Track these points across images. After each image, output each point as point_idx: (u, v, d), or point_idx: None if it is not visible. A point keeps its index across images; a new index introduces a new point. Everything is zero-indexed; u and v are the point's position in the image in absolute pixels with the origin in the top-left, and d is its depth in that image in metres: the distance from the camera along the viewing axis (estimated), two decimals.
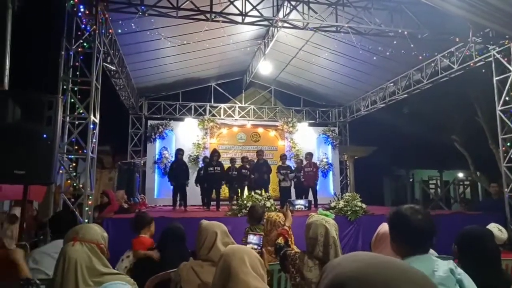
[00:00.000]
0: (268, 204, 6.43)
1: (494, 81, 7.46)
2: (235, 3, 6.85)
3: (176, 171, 8.65)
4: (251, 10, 6.91)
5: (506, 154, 7.26)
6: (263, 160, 9.39)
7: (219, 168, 8.48)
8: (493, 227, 3.56)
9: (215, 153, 8.79)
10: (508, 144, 7.29)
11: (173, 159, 11.52)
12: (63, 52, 5.97)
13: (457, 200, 15.00)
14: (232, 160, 9.26)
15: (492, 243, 2.34)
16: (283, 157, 9.63)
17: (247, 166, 9.02)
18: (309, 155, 9.56)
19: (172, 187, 8.89)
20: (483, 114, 12.03)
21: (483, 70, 8.12)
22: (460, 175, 19.18)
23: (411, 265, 1.50)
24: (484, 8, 5.74)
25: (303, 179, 9.09)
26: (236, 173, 8.85)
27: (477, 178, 14.93)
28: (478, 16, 6.00)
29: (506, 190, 7.18)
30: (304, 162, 9.51)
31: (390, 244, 1.77)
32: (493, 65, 7.49)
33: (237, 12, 6.83)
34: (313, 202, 8.64)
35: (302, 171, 9.16)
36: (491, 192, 8.32)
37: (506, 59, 7.22)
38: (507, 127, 7.26)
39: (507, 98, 7.23)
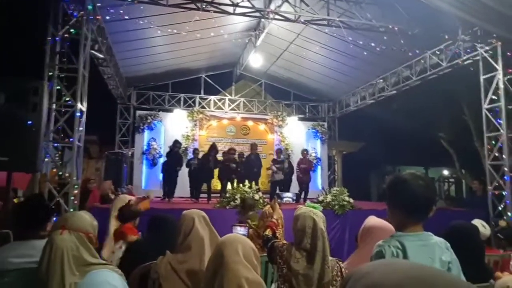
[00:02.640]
0: (256, 197, 6.45)
1: (481, 80, 7.56)
2: None
3: (174, 163, 8.67)
4: (243, 0, 6.85)
5: (491, 152, 7.39)
6: (256, 154, 9.42)
7: (213, 163, 8.63)
8: (477, 222, 3.63)
9: (214, 149, 8.89)
10: (493, 142, 7.42)
11: (161, 150, 11.50)
12: (49, 38, 5.82)
13: (442, 197, 15.30)
14: (225, 154, 9.31)
15: (478, 238, 2.40)
16: (278, 152, 9.70)
17: (234, 158, 9.04)
18: (305, 151, 9.63)
19: (163, 178, 8.89)
20: (470, 112, 12.22)
21: (471, 69, 8.23)
22: (445, 172, 19.56)
23: (410, 240, 1.46)
24: (473, 6, 5.81)
25: (300, 174, 9.17)
26: (222, 167, 8.87)
27: (462, 176, 15.24)
28: (467, 13, 6.07)
29: (489, 187, 7.33)
30: (300, 158, 9.60)
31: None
32: (481, 64, 7.58)
33: (229, 2, 6.76)
34: (302, 196, 8.72)
35: (297, 167, 9.24)
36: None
37: (493, 58, 7.32)
38: (492, 125, 7.39)
39: (493, 97, 7.35)
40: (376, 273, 0.56)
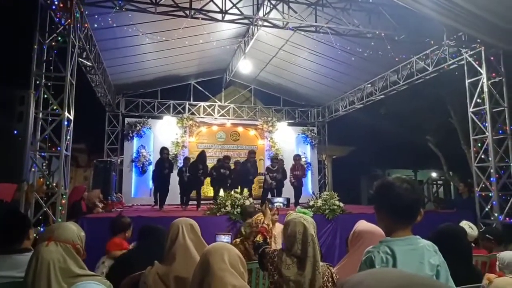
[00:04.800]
0: (247, 202, 6.43)
1: (466, 84, 7.71)
2: (215, 0, 6.80)
3: (166, 171, 8.60)
4: (231, 8, 6.88)
5: (477, 154, 7.52)
6: (253, 161, 9.40)
7: (201, 171, 8.52)
8: (465, 224, 3.69)
9: (203, 157, 8.78)
10: (479, 144, 7.56)
11: (151, 157, 11.42)
12: (36, 46, 5.75)
13: (431, 199, 15.49)
14: (219, 160, 9.27)
15: (466, 240, 2.43)
16: (273, 161, 9.61)
17: (229, 165, 9.02)
18: (297, 157, 9.63)
19: (154, 186, 8.82)
20: (456, 116, 12.44)
21: (456, 73, 8.39)
22: (434, 175, 19.80)
23: (399, 245, 1.47)
24: (458, 12, 5.94)
25: (293, 180, 9.17)
26: (215, 173, 8.85)
27: (450, 178, 15.45)
28: (451, 19, 6.20)
29: (476, 189, 7.44)
30: (292, 164, 9.59)
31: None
32: (465, 68, 7.73)
33: (217, 9, 6.78)
34: (292, 201, 8.73)
35: (291, 174, 9.25)
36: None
37: (477, 62, 7.48)
38: (478, 128, 7.52)
39: (478, 100, 7.49)
40: (368, 282, 0.58)
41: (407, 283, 0.56)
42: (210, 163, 9.55)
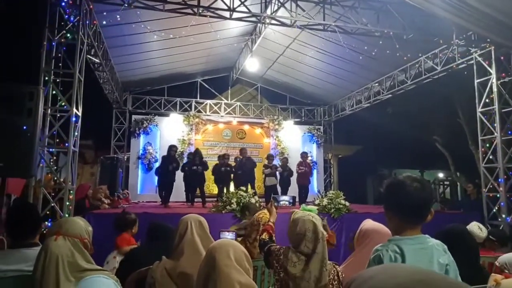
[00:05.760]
0: (252, 200, 6.45)
1: (475, 84, 7.63)
2: None
3: (171, 168, 8.66)
4: (239, 5, 6.87)
5: (485, 155, 7.45)
6: (247, 157, 9.43)
7: (201, 167, 8.56)
8: (474, 225, 3.67)
9: (197, 153, 8.88)
10: (487, 145, 7.48)
11: (157, 154, 11.48)
12: (45, 43, 5.80)
13: (437, 200, 15.36)
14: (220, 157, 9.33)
15: (472, 240, 2.40)
16: (269, 157, 9.69)
17: (228, 163, 9.08)
18: (304, 154, 9.65)
19: (158, 183, 8.88)
20: (464, 116, 12.32)
21: (465, 72, 8.31)
22: (440, 175, 19.65)
23: (408, 244, 1.47)
24: (468, 11, 5.87)
25: (300, 178, 9.22)
26: (217, 175, 8.90)
27: (457, 178, 15.32)
28: (461, 18, 6.13)
29: (484, 190, 7.38)
30: (299, 160, 9.65)
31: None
32: (475, 68, 7.66)
33: (225, 7, 6.78)
34: (297, 200, 8.74)
35: (297, 169, 9.28)
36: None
37: (487, 62, 7.40)
38: (487, 128, 7.45)
39: (487, 101, 7.41)
40: (380, 277, 0.57)
41: (420, 279, 0.56)
42: (215, 161, 9.60)
